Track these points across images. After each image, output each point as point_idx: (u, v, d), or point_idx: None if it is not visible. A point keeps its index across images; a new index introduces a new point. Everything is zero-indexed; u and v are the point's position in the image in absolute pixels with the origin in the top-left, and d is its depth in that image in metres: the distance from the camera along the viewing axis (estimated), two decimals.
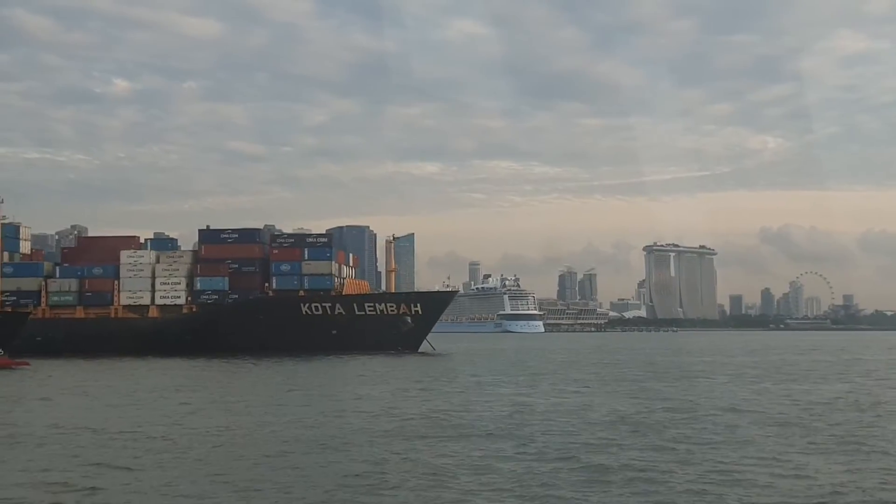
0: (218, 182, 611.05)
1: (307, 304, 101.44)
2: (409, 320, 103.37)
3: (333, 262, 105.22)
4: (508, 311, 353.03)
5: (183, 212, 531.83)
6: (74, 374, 67.19)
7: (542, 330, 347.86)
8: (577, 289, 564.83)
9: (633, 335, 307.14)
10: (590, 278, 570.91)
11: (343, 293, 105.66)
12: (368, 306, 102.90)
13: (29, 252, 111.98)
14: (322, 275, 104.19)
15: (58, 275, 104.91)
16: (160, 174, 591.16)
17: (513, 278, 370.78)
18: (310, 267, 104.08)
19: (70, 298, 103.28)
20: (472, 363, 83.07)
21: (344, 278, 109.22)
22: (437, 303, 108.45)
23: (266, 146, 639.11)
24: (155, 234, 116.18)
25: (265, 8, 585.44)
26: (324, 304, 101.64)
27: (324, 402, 42.31)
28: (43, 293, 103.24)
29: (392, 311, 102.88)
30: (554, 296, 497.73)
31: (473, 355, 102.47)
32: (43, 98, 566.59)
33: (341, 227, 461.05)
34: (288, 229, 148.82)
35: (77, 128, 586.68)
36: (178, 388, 52.33)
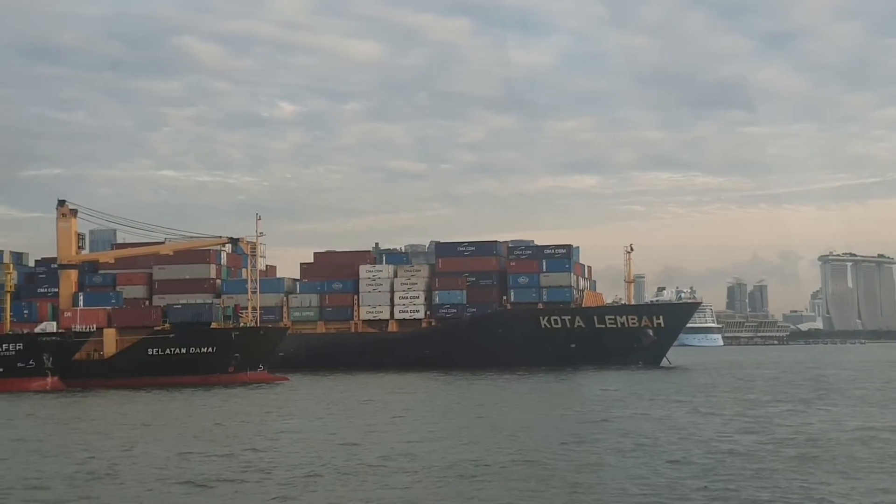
0: (380, 200, 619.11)
1: (546, 318, 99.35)
2: (651, 333, 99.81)
3: (572, 274, 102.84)
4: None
5: (347, 230, 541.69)
6: (338, 388, 67.34)
7: (721, 343, 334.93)
8: (746, 301, 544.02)
9: (824, 348, 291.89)
10: (760, 290, 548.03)
11: (582, 305, 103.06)
12: (609, 319, 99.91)
13: (264, 268, 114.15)
14: (561, 287, 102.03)
15: (298, 290, 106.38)
16: (325, 194, 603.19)
17: (689, 290, 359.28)
18: (548, 279, 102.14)
19: (311, 314, 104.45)
20: (727, 378, 78.99)
21: (582, 290, 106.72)
22: (679, 315, 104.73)
23: (426, 164, 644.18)
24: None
25: (423, 28, 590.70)
26: (563, 318, 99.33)
27: (648, 423, 40.48)
28: (284, 309, 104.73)
29: (633, 323, 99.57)
30: (722, 308, 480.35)
31: (710, 370, 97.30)
32: (213, 123, 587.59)
33: (506, 242, 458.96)
34: None
35: (246, 151, 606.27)
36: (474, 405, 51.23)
